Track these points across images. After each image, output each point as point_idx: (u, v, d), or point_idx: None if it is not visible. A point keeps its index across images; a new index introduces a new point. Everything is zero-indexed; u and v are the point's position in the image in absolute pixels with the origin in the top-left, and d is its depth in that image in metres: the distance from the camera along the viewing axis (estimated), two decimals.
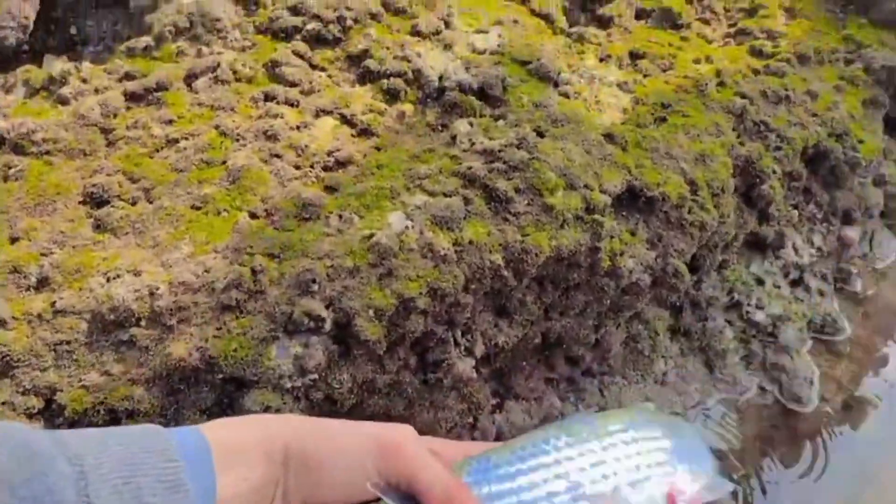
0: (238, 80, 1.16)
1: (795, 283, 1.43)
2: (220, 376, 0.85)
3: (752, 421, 1.37)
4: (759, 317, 1.38)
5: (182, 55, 1.20)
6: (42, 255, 0.91)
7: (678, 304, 1.30)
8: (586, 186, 1.07)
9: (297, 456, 0.49)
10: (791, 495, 1.24)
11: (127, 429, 0.47)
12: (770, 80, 1.39)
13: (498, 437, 1.16)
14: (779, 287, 1.40)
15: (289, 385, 0.87)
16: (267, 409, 0.84)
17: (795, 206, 1.38)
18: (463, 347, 1.03)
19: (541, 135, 1.13)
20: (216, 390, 0.87)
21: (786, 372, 1.38)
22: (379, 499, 0.47)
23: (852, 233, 1.53)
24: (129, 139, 1.05)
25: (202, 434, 0.48)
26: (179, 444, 0.45)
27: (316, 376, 0.88)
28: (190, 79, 1.15)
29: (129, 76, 1.16)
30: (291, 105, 1.13)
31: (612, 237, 1.08)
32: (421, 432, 0.56)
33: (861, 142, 1.40)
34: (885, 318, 1.54)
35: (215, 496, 0.45)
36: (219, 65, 1.16)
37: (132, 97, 1.12)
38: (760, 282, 1.39)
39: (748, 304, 1.37)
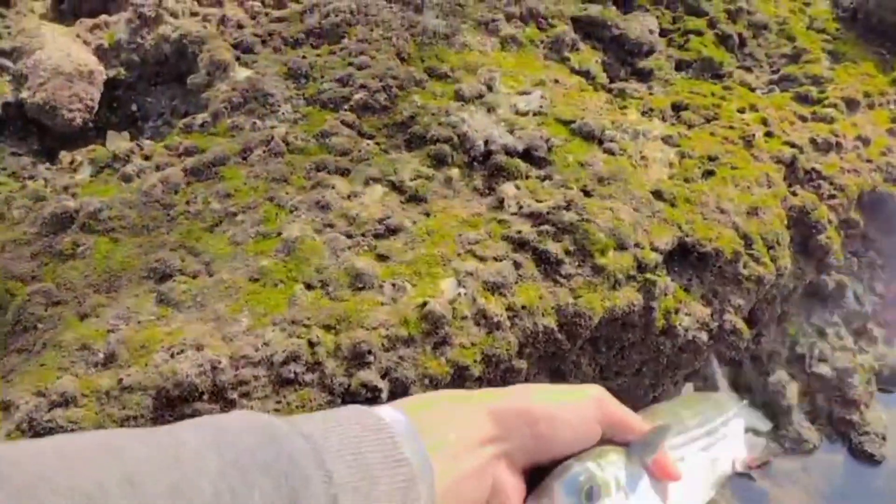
0: (291, 151, 1.20)
1: (859, 334, 1.38)
2: None
3: (821, 479, 1.31)
4: (823, 370, 1.33)
5: (237, 129, 1.25)
6: (109, 331, 0.94)
7: (738, 359, 1.27)
8: (637, 245, 1.06)
9: (520, 427, 0.53)
10: None
11: (339, 410, 0.49)
12: (819, 126, 1.37)
13: None
14: (842, 338, 1.35)
15: None
16: None
17: (854, 254, 1.34)
18: None
19: (588, 194, 1.14)
20: None
21: (854, 428, 1.32)
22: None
23: None
24: (189, 214, 1.09)
25: (403, 412, 0.50)
26: (391, 423, 0.48)
27: None
28: (245, 153, 1.19)
29: (188, 152, 1.21)
30: (342, 174, 1.16)
31: (665, 295, 1.06)
32: None
33: None
34: None
35: (432, 468, 0.47)
36: (272, 138, 1.20)
37: (191, 172, 1.17)
38: (822, 333, 1.35)
39: (811, 357, 1.33)
